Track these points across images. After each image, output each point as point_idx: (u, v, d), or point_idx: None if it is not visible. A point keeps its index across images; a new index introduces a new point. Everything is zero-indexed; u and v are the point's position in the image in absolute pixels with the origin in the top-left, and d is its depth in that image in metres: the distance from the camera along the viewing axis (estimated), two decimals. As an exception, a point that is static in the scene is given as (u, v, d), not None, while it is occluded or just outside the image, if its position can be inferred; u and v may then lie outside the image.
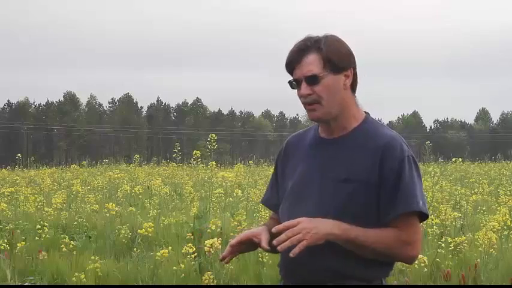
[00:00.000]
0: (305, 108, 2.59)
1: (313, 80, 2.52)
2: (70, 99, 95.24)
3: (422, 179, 2.65)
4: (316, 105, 2.55)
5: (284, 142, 2.79)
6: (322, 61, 2.52)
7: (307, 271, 2.53)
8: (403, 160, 2.49)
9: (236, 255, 2.66)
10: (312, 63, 2.53)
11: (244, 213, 9.73)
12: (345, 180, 2.50)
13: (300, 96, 2.56)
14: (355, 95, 2.62)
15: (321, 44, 2.54)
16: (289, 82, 2.59)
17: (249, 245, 2.61)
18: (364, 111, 2.64)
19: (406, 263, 2.62)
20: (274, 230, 2.44)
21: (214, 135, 10.17)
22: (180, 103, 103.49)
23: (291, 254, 2.36)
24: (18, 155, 26.95)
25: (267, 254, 8.08)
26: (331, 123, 2.59)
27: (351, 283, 2.50)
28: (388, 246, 2.46)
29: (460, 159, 14.08)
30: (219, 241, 7.16)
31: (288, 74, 2.61)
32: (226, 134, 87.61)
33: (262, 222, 2.34)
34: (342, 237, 2.43)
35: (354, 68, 2.57)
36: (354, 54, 2.59)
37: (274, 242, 2.41)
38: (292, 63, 2.57)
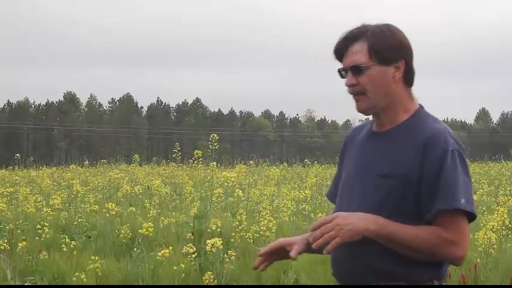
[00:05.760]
0: (353, 99, 2.50)
1: (357, 70, 2.44)
2: (70, 99, 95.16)
3: None
4: (361, 97, 2.46)
5: (346, 135, 2.73)
6: (368, 51, 2.43)
7: (348, 270, 2.46)
8: (445, 154, 2.35)
9: (271, 262, 2.63)
10: (357, 53, 2.44)
11: (244, 213, 9.72)
12: (386, 175, 2.40)
13: (346, 86, 2.48)
14: (411, 88, 2.51)
15: (368, 33, 2.45)
16: (338, 71, 2.51)
17: (283, 252, 2.56)
18: (419, 104, 2.53)
19: (452, 263, 2.48)
20: (310, 227, 2.35)
21: (215, 135, 10.17)
22: (180, 103, 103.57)
23: (324, 252, 2.30)
24: (17, 155, 26.97)
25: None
26: (380, 115, 2.50)
27: (398, 283, 2.39)
28: (427, 244, 2.32)
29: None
30: (220, 241, 7.17)
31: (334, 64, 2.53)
32: (226, 134, 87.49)
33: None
34: (377, 232, 2.32)
35: (407, 60, 2.46)
36: (411, 46, 2.49)
37: (310, 239, 2.33)
38: (339, 51, 2.49)
